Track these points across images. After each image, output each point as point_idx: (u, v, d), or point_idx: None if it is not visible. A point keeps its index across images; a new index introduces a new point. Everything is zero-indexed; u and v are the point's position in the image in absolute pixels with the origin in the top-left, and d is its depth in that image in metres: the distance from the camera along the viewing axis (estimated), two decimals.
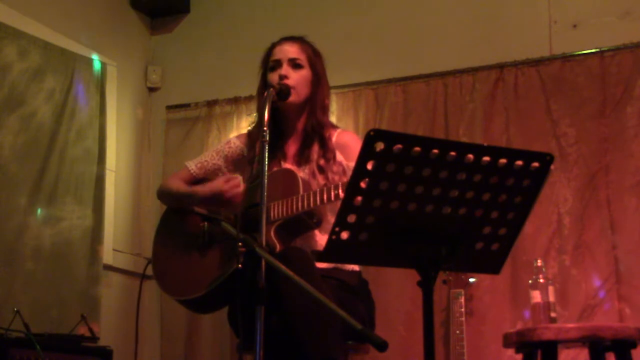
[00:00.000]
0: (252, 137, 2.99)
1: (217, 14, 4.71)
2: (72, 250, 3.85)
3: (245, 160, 2.99)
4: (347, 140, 2.92)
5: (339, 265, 2.78)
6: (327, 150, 2.87)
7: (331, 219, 2.78)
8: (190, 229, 2.89)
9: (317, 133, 2.90)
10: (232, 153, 3.02)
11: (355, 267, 2.87)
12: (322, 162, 2.85)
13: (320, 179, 2.81)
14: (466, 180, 1.71)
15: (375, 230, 1.73)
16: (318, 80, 2.93)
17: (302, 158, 2.89)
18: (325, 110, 2.97)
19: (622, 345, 2.78)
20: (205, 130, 4.47)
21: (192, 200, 2.86)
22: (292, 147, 2.95)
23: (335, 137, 2.93)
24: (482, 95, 3.96)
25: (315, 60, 2.95)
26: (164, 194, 3.03)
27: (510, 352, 3.26)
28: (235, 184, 2.80)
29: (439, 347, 3.47)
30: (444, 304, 3.51)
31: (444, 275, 3.30)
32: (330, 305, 1.92)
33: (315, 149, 2.89)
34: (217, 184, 2.83)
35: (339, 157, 2.87)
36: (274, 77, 2.87)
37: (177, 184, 2.98)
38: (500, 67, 3.95)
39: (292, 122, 2.94)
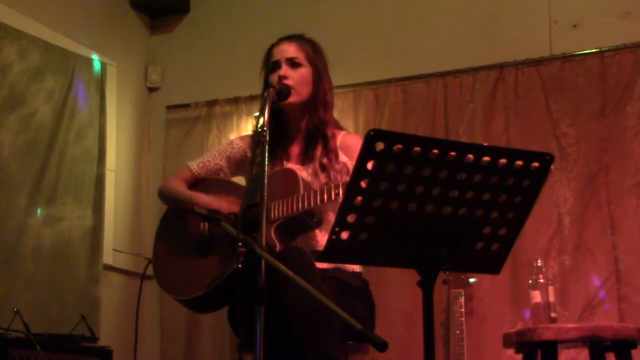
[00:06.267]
0: (255, 138, 2.98)
1: (217, 14, 4.71)
2: (72, 250, 3.85)
3: (248, 162, 2.98)
4: (351, 142, 2.91)
5: (340, 266, 2.78)
6: (329, 149, 2.87)
7: (332, 219, 2.78)
8: (191, 229, 2.89)
9: (320, 131, 2.90)
10: (235, 154, 3.02)
11: (356, 268, 2.87)
12: (324, 160, 2.85)
13: (322, 178, 2.81)
14: (466, 180, 1.71)
15: (375, 230, 1.73)
16: (319, 77, 2.92)
17: (306, 157, 2.89)
18: (327, 106, 2.95)
19: (622, 345, 2.78)
20: (205, 130, 4.47)
21: (191, 206, 2.84)
22: (296, 148, 2.94)
23: (339, 138, 2.93)
24: (482, 95, 3.96)
25: (314, 56, 2.94)
26: (164, 195, 3.03)
27: (510, 352, 3.26)
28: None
29: (439, 347, 3.47)
30: (444, 304, 3.51)
31: (444, 275, 3.30)
32: (330, 305, 1.92)
33: (319, 148, 2.88)
34: (216, 202, 2.81)
35: (343, 157, 2.87)
36: (274, 79, 2.87)
37: (178, 186, 2.97)
38: (500, 67, 3.94)
39: (296, 122, 2.94)
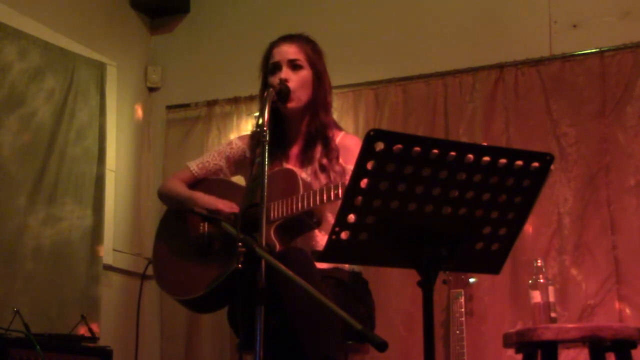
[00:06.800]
0: (255, 138, 2.98)
1: (217, 14, 4.71)
2: (72, 250, 3.85)
3: (247, 162, 2.98)
4: (349, 143, 2.91)
5: (339, 266, 2.78)
6: (330, 150, 2.87)
7: (331, 219, 2.78)
8: (191, 229, 2.89)
9: (321, 134, 2.90)
10: (234, 154, 3.02)
11: (356, 268, 2.87)
12: (324, 161, 2.85)
13: (323, 178, 2.81)
14: (466, 180, 1.71)
15: (375, 230, 1.73)
16: (319, 79, 2.92)
17: (305, 158, 2.89)
18: (327, 109, 2.96)
19: (622, 345, 2.78)
20: (205, 130, 4.47)
21: (191, 206, 2.83)
22: (295, 149, 2.94)
23: (338, 139, 2.93)
24: (482, 95, 3.96)
25: (314, 58, 2.93)
26: (164, 196, 3.04)
27: (510, 352, 3.26)
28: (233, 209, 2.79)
29: (439, 347, 3.47)
30: (444, 304, 3.51)
31: (444, 275, 3.30)
32: (330, 305, 1.92)
33: (318, 149, 2.88)
34: (215, 202, 2.81)
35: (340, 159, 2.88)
36: (274, 81, 2.85)
37: (178, 187, 2.98)
38: (500, 67, 3.94)
39: (295, 125, 2.93)
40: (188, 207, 2.82)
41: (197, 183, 3.01)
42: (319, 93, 2.92)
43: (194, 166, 3.02)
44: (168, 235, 2.99)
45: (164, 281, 2.93)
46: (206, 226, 2.85)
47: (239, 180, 3.11)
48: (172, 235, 2.97)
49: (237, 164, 3.03)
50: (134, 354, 3.55)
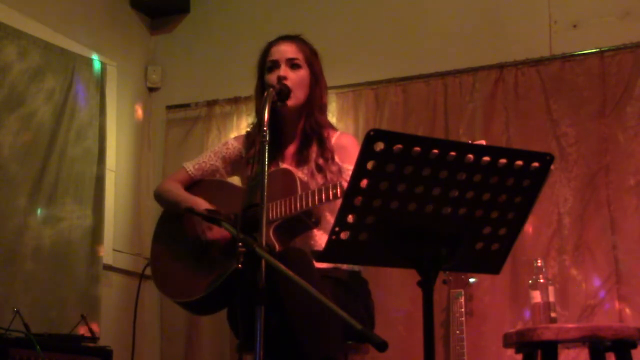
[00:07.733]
0: (250, 138, 2.99)
1: (217, 14, 4.71)
2: (72, 250, 3.85)
3: (243, 162, 2.98)
4: (345, 142, 2.92)
5: (339, 265, 2.78)
6: (325, 149, 2.87)
7: (330, 218, 2.78)
8: (189, 230, 2.88)
9: (316, 133, 2.90)
10: (230, 154, 3.02)
11: (355, 267, 2.87)
12: (320, 161, 2.85)
13: (319, 178, 2.81)
14: (466, 180, 1.71)
15: (375, 230, 1.73)
16: (316, 80, 2.93)
17: (301, 158, 2.89)
18: (323, 109, 2.97)
19: (622, 345, 2.78)
20: (205, 130, 4.47)
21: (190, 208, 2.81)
22: (290, 149, 2.95)
23: (334, 139, 2.94)
24: (482, 95, 3.96)
25: (312, 59, 2.94)
26: (160, 198, 3.02)
27: (510, 352, 3.26)
28: (220, 234, 2.77)
29: (439, 347, 3.47)
30: (444, 304, 3.51)
31: (444, 275, 3.30)
32: (330, 305, 1.92)
33: (314, 148, 2.88)
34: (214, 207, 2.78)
35: (336, 158, 2.87)
36: (272, 78, 2.85)
37: (174, 189, 2.96)
38: (500, 67, 3.94)
39: (291, 124, 2.93)
40: (184, 210, 2.80)
41: (193, 184, 3.00)
42: (316, 93, 2.92)
43: (191, 167, 3.02)
44: (166, 236, 2.99)
45: (163, 283, 2.92)
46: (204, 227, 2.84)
47: (236, 181, 3.11)
48: (170, 237, 2.96)
49: (234, 164, 3.03)
50: (132, 353, 3.54)
